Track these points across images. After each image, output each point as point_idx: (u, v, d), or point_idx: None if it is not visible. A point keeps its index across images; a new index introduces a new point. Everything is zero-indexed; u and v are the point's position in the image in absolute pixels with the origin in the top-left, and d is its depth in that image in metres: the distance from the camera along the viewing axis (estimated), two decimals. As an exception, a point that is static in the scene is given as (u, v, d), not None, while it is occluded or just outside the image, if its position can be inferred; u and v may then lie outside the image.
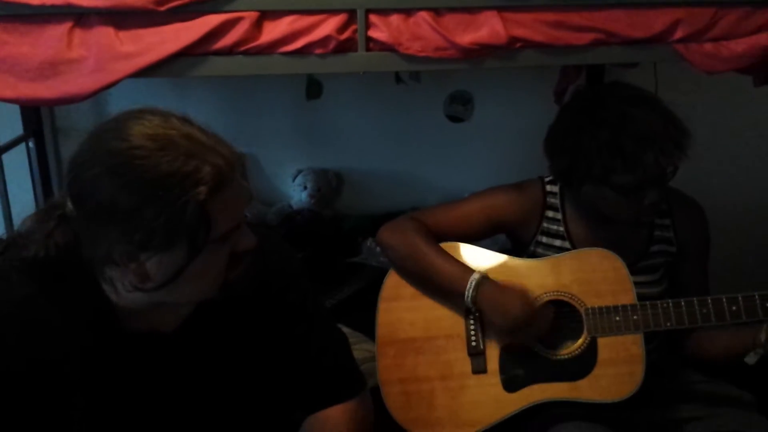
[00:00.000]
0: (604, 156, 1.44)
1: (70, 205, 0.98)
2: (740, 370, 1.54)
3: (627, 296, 1.50)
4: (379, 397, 1.52)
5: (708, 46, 1.57)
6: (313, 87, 2.37)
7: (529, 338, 1.50)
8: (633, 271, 1.53)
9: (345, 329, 1.87)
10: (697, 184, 1.73)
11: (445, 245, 1.59)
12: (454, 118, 2.59)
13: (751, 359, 1.44)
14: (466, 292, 1.50)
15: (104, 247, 0.95)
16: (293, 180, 2.57)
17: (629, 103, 1.46)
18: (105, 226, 0.94)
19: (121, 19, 1.47)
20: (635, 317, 1.48)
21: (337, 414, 1.22)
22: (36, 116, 2.29)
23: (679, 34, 1.56)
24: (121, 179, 0.92)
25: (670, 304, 1.47)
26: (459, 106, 2.58)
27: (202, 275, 1.00)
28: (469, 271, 1.52)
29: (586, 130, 1.47)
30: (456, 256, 1.58)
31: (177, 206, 0.92)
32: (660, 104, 1.48)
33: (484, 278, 1.51)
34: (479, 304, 1.51)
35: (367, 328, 1.63)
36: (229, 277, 1.03)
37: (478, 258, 1.59)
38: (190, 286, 1.01)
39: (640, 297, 1.51)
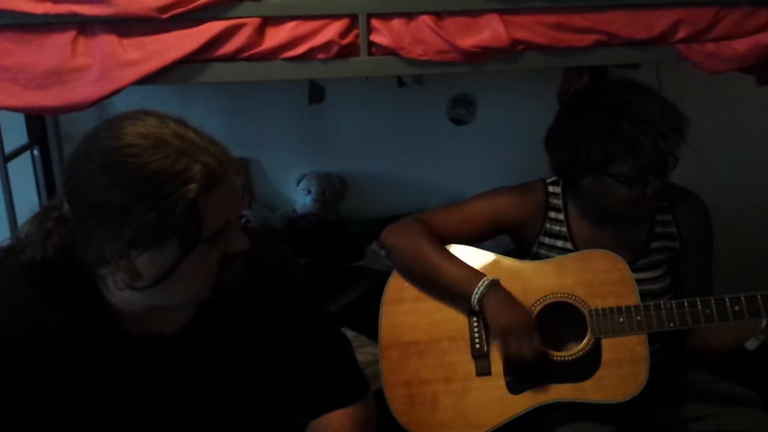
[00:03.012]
0: (603, 142, 1.46)
1: (66, 204, 0.99)
2: (745, 368, 1.54)
3: (630, 297, 1.50)
4: (383, 400, 1.52)
5: (710, 46, 1.58)
6: (316, 91, 2.38)
7: (513, 354, 1.49)
8: (635, 269, 1.54)
9: (349, 333, 1.89)
10: (701, 183, 1.73)
11: (448, 247, 1.59)
12: (458, 121, 2.60)
13: (751, 344, 1.45)
14: (476, 289, 1.50)
15: (96, 245, 0.95)
16: (297, 184, 2.57)
17: (627, 91, 1.50)
18: (97, 224, 0.95)
19: (124, 27, 1.48)
20: (639, 318, 1.48)
21: (340, 418, 1.22)
22: (40, 124, 2.30)
23: (680, 34, 1.57)
24: (112, 176, 0.94)
25: (674, 305, 1.47)
26: (462, 109, 2.59)
27: (194, 275, 1.00)
28: (479, 274, 1.53)
29: (586, 119, 1.50)
30: (459, 258, 1.58)
31: (167, 203, 0.93)
32: (658, 93, 1.51)
33: (497, 282, 1.52)
34: (484, 304, 1.50)
35: (372, 331, 1.63)
36: (221, 278, 1.03)
37: (481, 260, 1.59)
38: (182, 286, 1.01)
39: (644, 294, 1.51)
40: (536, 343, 1.48)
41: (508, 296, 1.51)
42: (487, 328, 1.55)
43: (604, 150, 1.46)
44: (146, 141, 0.94)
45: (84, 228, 0.96)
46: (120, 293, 1.01)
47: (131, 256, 0.96)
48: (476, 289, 1.50)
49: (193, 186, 0.94)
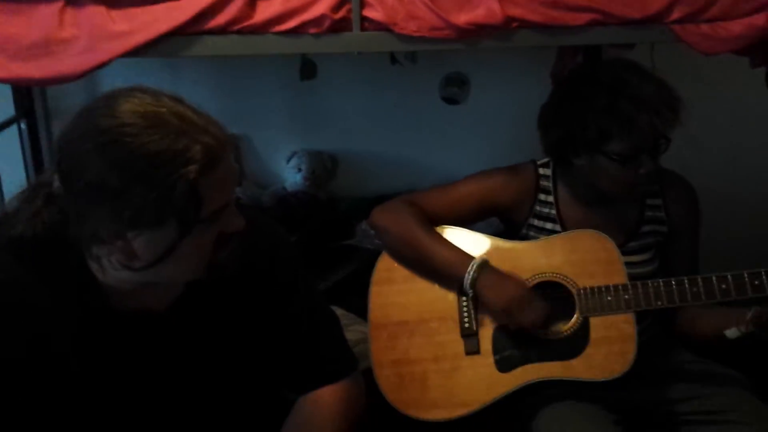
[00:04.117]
0: (600, 119, 1.46)
1: (57, 182, 0.97)
2: (732, 350, 1.55)
3: (618, 276, 1.51)
4: (372, 379, 1.53)
5: (705, 27, 1.57)
6: (308, 67, 2.36)
7: (522, 324, 1.50)
8: (624, 252, 1.54)
9: (339, 311, 1.89)
10: (693, 165, 1.73)
11: (438, 229, 1.59)
12: (450, 101, 2.59)
13: (732, 333, 1.46)
14: (467, 274, 1.50)
15: (92, 225, 0.94)
16: (287, 162, 2.56)
17: (623, 69, 1.50)
18: (93, 204, 0.93)
19: (113, -3, 1.45)
20: (626, 296, 1.49)
21: (328, 394, 1.22)
22: (28, 97, 2.28)
23: (675, 14, 1.55)
24: (110, 157, 0.92)
25: (661, 283, 1.48)
26: (455, 89, 2.57)
27: (190, 255, 1.00)
28: (469, 256, 1.53)
29: (583, 97, 1.50)
30: (448, 240, 1.58)
31: (166, 184, 0.92)
32: (653, 73, 1.52)
33: (486, 262, 1.52)
34: (477, 287, 1.51)
35: (361, 309, 1.64)
36: (216, 257, 1.03)
37: (471, 241, 1.59)
38: (178, 266, 1.00)
39: (632, 277, 1.52)
40: (540, 308, 1.49)
41: (499, 274, 1.52)
42: (476, 307, 1.55)
43: (600, 128, 1.46)
44: (143, 120, 0.92)
45: (78, 207, 0.95)
46: (114, 273, 1.00)
47: (128, 237, 0.95)
48: (467, 273, 1.50)
49: (193, 167, 0.92)
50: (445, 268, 1.54)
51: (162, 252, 0.97)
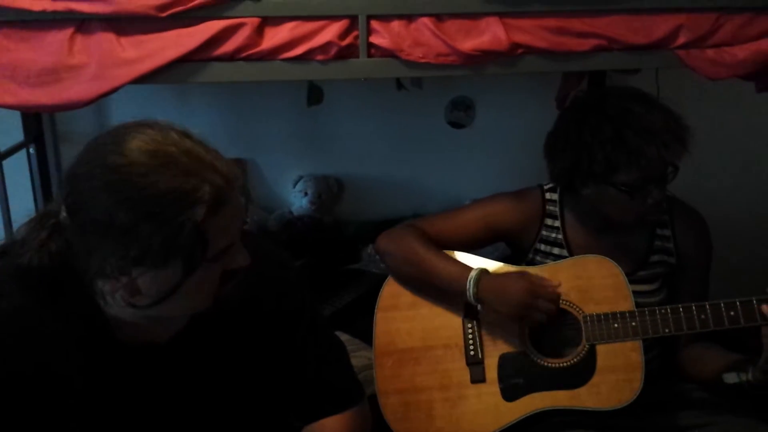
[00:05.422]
0: (607, 151, 1.45)
1: (64, 214, 0.97)
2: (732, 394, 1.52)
3: (625, 303, 1.50)
4: (377, 407, 1.51)
5: (710, 52, 1.57)
6: (314, 93, 2.37)
7: (541, 314, 1.48)
8: (632, 280, 1.53)
9: (344, 336, 1.88)
10: (698, 189, 1.73)
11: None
12: (456, 125, 2.59)
13: (730, 378, 1.43)
14: (468, 290, 1.49)
15: (97, 260, 0.94)
16: (294, 186, 2.56)
17: (630, 100, 1.49)
18: (99, 240, 0.93)
19: (122, 25, 1.47)
20: (633, 324, 1.48)
21: (334, 424, 1.21)
22: (37, 122, 2.29)
23: (681, 40, 1.56)
24: (118, 195, 0.91)
25: (669, 310, 1.47)
26: (460, 113, 2.58)
27: (195, 292, 0.99)
28: (468, 268, 1.52)
29: (589, 127, 1.48)
30: (451, 257, 1.57)
31: (174, 225, 0.91)
32: (660, 102, 1.51)
33: (483, 272, 1.51)
34: (482, 298, 1.49)
35: (367, 335, 1.63)
36: (221, 291, 1.02)
37: (476, 266, 1.58)
38: (182, 302, 1.00)
39: (639, 306, 1.50)
40: (551, 290, 1.48)
41: (498, 277, 1.51)
42: (481, 335, 1.54)
43: (608, 160, 1.45)
44: (152, 159, 0.92)
45: (84, 241, 0.94)
46: (119, 309, 1.00)
47: (132, 274, 0.95)
48: (467, 287, 1.49)
49: (200, 208, 0.92)
50: (447, 283, 1.53)
51: (166, 290, 0.97)
